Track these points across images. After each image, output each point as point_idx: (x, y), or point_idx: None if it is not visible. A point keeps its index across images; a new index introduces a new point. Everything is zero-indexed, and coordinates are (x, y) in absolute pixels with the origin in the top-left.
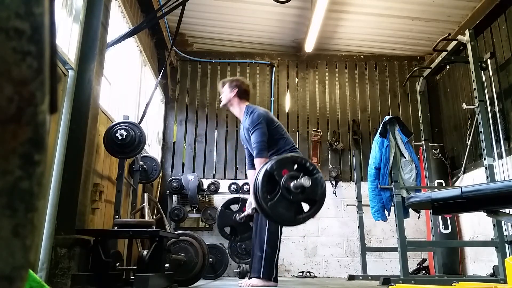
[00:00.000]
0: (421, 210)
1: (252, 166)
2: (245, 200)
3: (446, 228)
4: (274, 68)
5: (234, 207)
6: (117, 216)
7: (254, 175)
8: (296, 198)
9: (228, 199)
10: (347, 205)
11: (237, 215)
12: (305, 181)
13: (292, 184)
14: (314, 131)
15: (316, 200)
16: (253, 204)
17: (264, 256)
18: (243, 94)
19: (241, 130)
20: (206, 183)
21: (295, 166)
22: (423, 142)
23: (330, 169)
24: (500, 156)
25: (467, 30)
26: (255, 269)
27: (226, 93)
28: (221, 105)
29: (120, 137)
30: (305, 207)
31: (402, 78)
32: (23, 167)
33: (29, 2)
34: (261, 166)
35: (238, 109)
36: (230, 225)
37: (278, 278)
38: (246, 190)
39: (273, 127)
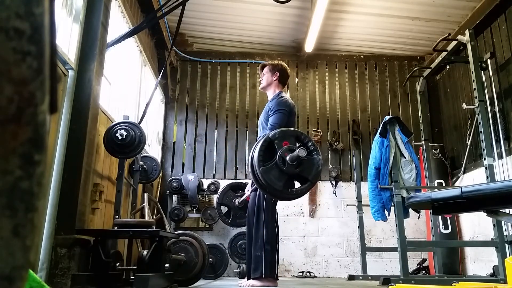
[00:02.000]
0: (421, 210)
1: None
2: None
3: (446, 228)
4: None
5: (238, 195)
6: (117, 216)
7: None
8: (289, 170)
9: (236, 182)
10: (347, 205)
11: (237, 199)
12: (301, 151)
13: (288, 156)
14: (314, 131)
15: (309, 179)
16: (249, 187)
17: (264, 255)
18: (283, 78)
19: (263, 112)
20: (206, 183)
21: (297, 143)
22: (423, 142)
23: (330, 169)
24: (500, 156)
25: (467, 30)
26: (255, 269)
27: (267, 76)
28: (260, 87)
29: (120, 137)
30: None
31: (402, 78)
32: (23, 167)
33: (29, 2)
34: (265, 133)
35: (273, 93)
36: (227, 205)
37: (278, 278)
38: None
39: (291, 119)
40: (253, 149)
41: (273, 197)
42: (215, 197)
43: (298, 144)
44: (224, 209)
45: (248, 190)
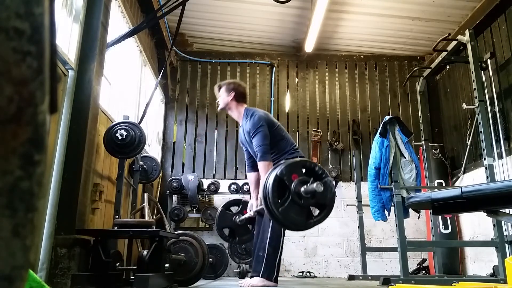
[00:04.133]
0: (421, 210)
1: (252, 169)
2: (246, 203)
3: (446, 228)
4: (274, 68)
5: (234, 210)
6: (117, 216)
7: (256, 177)
8: (307, 203)
9: (228, 201)
10: (347, 205)
11: (237, 217)
12: (318, 187)
13: (302, 189)
14: (314, 131)
15: (326, 204)
16: (254, 207)
17: (266, 256)
18: (240, 97)
19: (240, 133)
20: (206, 183)
21: (304, 170)
22: (423, 142)
23: (330, 169)
24: (500, 156)
25: (467, 30)
26: (256, 268)
27: (223, 97)
28: (218, 109)
29: (120, 137)
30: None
31: (402, 78)
32: (23, 167)
33: (29, 2)
34: (270, 171)
35: (237, 113)
36: (229, 226)
37: (278, 278)
38: (246, 190)
39: (274, 129)
40: (264, 188)
41: (295, 231)
42: (215, 220)
43: (304, 171)
44: (226, 231)
45: (251, 210)
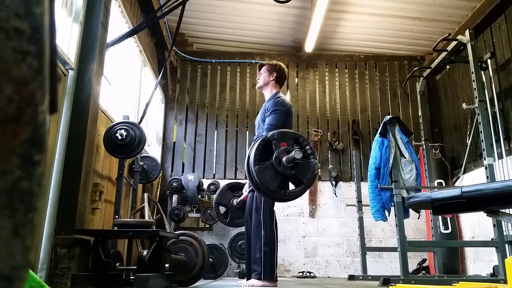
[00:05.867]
0: (421, 210)
1: None
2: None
3: (446, 228)
4: None
5: (236, 195)
6: (117, 216)
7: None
8: (285, 172)
9: (234, 182)
10: (347, 205)
11: (236, 199)
12: (296, 153)
13: (285, 157)
14: (314, 131)
15: (304, 182)
16: (247, 187)
17: (263, 256)
18: (280, 79)
19: (260, 112)
20: (206, 183)
21: (295, 145)
22: (423, 142)
23: (330, 169)
24: (500, 156)
25: (467, 30)
26: (255, 270)
27: (264, 76)
28: (256, 86)
29: (120, 137)
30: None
31: (402, 78)
32: (23, 167)
33: (29, 2)
34: (263, 134)
35: (270, 93)
36: (225, 205)
37: (278, 278)
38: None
39: (289, 119)
40: (250, 148)
41: (266, 197)
42: (215, 194)
43: (296, 146)
44: (222, 209)
45: (245, 191)
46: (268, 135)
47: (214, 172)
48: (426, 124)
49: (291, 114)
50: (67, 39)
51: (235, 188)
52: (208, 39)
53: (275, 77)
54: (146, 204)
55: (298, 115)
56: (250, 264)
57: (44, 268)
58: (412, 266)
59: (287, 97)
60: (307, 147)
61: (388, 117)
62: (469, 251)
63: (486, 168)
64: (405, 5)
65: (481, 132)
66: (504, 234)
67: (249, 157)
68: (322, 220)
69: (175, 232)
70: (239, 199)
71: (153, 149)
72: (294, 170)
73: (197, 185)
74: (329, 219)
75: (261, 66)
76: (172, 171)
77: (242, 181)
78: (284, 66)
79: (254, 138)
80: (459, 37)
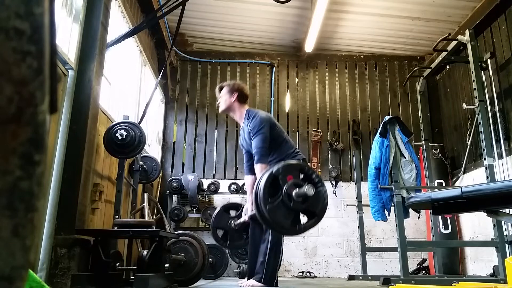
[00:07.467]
0: (421, 210)
1: (250, 172)
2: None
3: (446, 228)
4: (274, 68)
5: (233, 214)
6: (117, 216)
7: (253, 181)
8: (296, 207)
9: (229, 203)
10: (347, 205)
11: (233, 221)
12: (309, 190)
13: (294, 191)
14: (314, 131)
15: (316, 213)
16: (250, 212)
17: (267, 261)
18: (243, 98)
19: (241, 134)
20: (206, 183)
21: (301, 175)
22: (423, 142)
23: (330, 169)
24: (500, 156)
25: (467, 30)
26: (257, 272)
27: (225, 98)
28: (220, 110)
29: (120, 137)
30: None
31: (402, 78)
32: (23, 167)
33: (29, 2)
34: (267, 168)
35: (239, 114)
36: (224, 228)
37: (278, 278)
38: (246, 190)
39: (275, 130)
40: (257, 184)
41: (279, 234)
42: (212, 218)
43: (302, 176)
44: (220, 232)
45: (246, 215)
46: (273, 171)
47: (214, 172)
48: (426, 124)
49: (274, 123)
50: (67, 39)
51: (231, 209)
52: (208, 39)
53: (236, 97)
54: (146, 204)
55: (298, 115)
56: (252, 264)
57: (44, 268)
58: (412, 266)
59: (259, 111)
60: (313, 176)
61: (388, 117)
62: (469, 251)
63: (486, 168)
64: (405, 5)
65: (481, 132)
66: (504, 234)
67: (257, 194)
68: (322, 220)
69: (175, 232)
70: (238, 222)
71: (153, 149)
72: (305, 203)
73: (197, 185)
74: (329, 219)
75: (220, 88)
76: (172, 171)
77: (237, 200)
78: (244, 85)
79: (246, 160)
80: (459, 37)
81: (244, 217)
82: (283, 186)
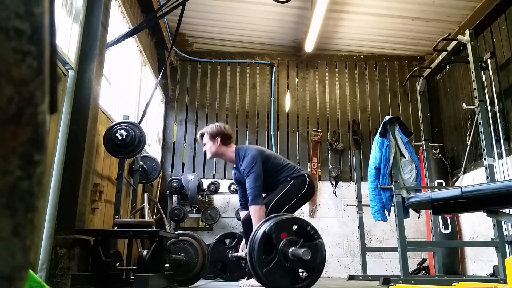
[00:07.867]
0: (421, 210)
1: (245, 208)
2: (241, 237)
3: (446, 228)
4: (274, 68)
5: (230, 246)
6: (117, 216)
7: (248, 216)
8: (293, 266)
9: (224, 233)
10: (347, 205)
11: (231, 251)
12: (305, 255)
13: (290, 250)
14: (314, 131)
15: (315, 268)
16: (246, 249)
17: None
18: (227, 139)
19: (234, 173)
20: (206, 183)
21: (295, 227)
22: (423, 142)
23: (330, 169)
24: (500, 156)
25: (467, 30)
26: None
27: (209, 145)
28: (208, 158)
29: (120, 137)
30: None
31: (402, 78)
32: (23, 167)
33: (29, 2)
34: (261, 223)
35: (228, 156)
36: (222, 260)
37: None
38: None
39: (270, 162)
40: (251, 243)
41: None
42: (208, 250)
43: (296, 228)
44: (218, 264)
45: (243, 251)
46: (266, 230)
47: (214, 172)
48: (426, 124)
49: (266, 156)
50: (67, 39)
51: (227, 238)
52: (208, 39)
53: (220, 141)
54: (146, 204)
55: (298, 115)
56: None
57: (44, 268)
58: (412, 266)
59: (249, 147)
60: (308, 228)
61: (388, 117)
62: (469, 251)
63: (486, 168)
64: (405, 5)
65: (481, 132)
66: (504, 234)
67: (251, 254)
68: (322, 220)
69: (175, 232)
70: (235, 255)
71: (153, 149)
72: (302, 261)
73: (197, 185)
74: (329, 219)
75: (201, 135)
76: (172, 171)
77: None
78: (223, 125)
79: (241, 196)
80: (459, 37)
81: (241, 253)
82: (278, 245)
